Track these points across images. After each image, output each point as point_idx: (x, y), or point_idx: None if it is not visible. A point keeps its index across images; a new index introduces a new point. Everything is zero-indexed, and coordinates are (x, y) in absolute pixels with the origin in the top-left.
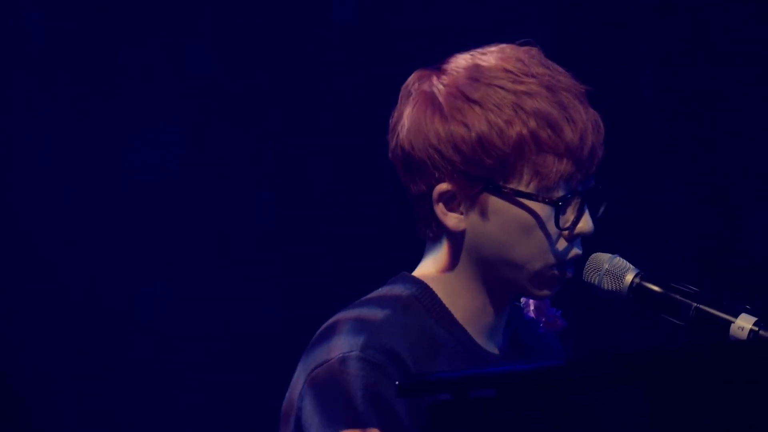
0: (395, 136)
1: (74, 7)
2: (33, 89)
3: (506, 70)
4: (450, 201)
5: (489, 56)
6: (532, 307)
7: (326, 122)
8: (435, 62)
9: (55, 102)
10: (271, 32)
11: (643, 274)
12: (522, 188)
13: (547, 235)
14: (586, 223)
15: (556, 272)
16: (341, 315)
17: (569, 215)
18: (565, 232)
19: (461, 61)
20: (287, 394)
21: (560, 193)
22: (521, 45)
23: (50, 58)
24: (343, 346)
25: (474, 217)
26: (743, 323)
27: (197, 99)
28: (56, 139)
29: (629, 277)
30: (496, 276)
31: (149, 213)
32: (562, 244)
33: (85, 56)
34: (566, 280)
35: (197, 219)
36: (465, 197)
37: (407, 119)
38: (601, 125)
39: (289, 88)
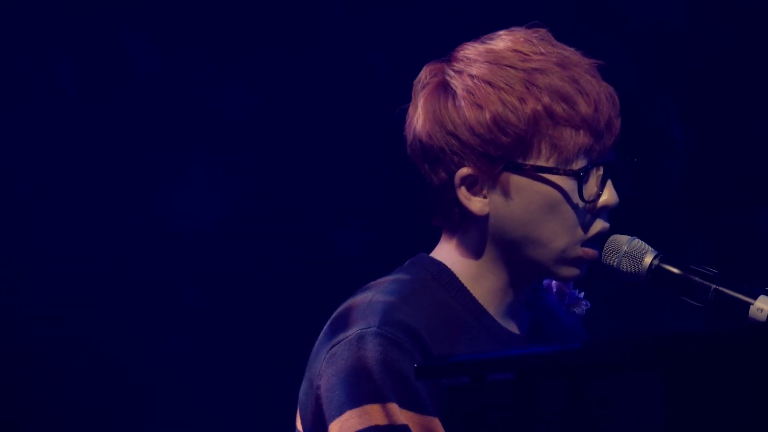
0: (412, 129)
1: (99, 58)
2: (63, 128)
3: (516, 51)
4: (472, 185)
5: (497, 40)
6: (554, 290)
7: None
8: (444, 54)
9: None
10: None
11: (662, 256)
12: (542, 163)
13: (572, 208)
14: (610, 195)
15: (581, 251)
16: (358, 294)
17: (592, 187)
18: (590, 205)
19: (470, 47)
20: (306, 374)
21: (581, 165)
22: (529, 27)
23: (82, 104)
24: (360, 323)
25: (497, 198)
26: (762, 305)
27: (233, 146)
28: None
29: (648, 259)
30: (520, 257)
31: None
32: (587, 218)
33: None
34: (592, 262)
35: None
36: (486, 179)
37: (422, 110)
38: (616, 97)
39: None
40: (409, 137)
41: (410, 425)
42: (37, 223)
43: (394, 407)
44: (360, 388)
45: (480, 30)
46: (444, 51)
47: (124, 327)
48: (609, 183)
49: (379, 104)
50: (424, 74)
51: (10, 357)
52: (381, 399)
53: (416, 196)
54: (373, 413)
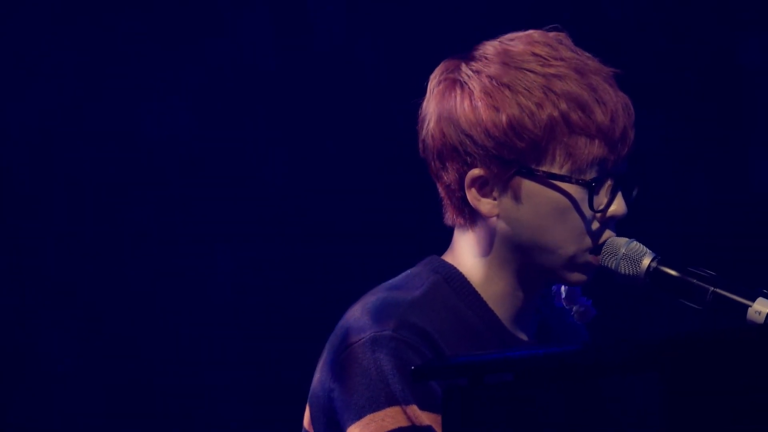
0: (425, 126)
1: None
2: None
3: (535, 54)
4: (483, 186)
5: (517, 41)
6: (563, 296)
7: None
8: (463, 51)
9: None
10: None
11: (660, 258)
12: (555, 170)
13: (581, 217)
14: (619, 205)
15: (589, 257)
16: (369, 297)
17: (602, 197)
18: (599, 214)
19: (489, 47)
20: (317, 375)
21: (593, 175)
22: (549, 31)
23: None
24: (374, 326)
25: (507, 201)
26: (761, 307)
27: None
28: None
29: (646, 262)
30: (529, 261)
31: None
32: (595, 227)
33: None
34: (599, 268)
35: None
36: (498, 182)
37: (437, 108)
38: (631, 108)
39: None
40: (422, 133)
41: (434, 426)
42: (37, 224)
43: (414, 409)
44: (379, 392)
45: (480, 30)
46: (445, 51)
47: (124, 327)
48: (619, 193)
49: (380, 105)
50: (441, 70)
51: (10, 357)
52: (401, 401)
53: (424, 198)
54: (396, 416)
